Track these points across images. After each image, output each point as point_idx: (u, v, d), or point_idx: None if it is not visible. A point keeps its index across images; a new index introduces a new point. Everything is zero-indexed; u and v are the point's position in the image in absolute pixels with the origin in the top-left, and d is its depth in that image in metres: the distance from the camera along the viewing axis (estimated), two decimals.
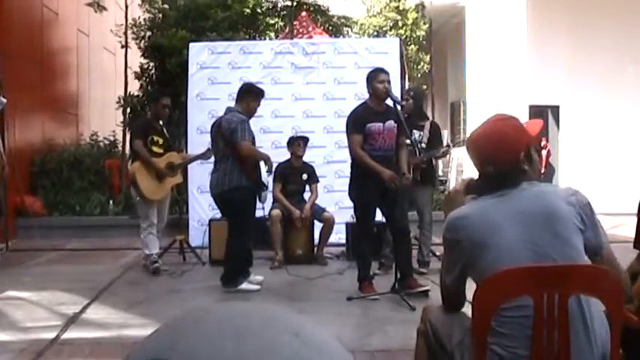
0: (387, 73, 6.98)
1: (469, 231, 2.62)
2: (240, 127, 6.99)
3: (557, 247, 2.52)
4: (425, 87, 16.28)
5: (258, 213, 7.59)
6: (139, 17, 14.21)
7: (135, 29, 13.72)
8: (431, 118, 11.74)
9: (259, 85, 7.74)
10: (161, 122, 8.27)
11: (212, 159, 7.48)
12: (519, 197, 2.63)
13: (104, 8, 12.65)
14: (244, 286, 7.10)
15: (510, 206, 2.61)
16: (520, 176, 2.69)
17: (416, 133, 7.89)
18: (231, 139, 7.01)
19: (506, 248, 2.52)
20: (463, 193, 2.93)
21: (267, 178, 7.30)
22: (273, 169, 7.61)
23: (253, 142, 7.31)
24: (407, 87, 11.84)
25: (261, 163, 7.20)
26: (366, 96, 7.08)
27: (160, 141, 8.15)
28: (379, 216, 7.19)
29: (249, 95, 7.31)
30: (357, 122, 6.83)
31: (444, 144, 8.40)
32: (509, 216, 2.58)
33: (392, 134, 6.86)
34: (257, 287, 7.19)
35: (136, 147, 8.11)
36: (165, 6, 14.17)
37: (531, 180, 2.73)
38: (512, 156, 2.69)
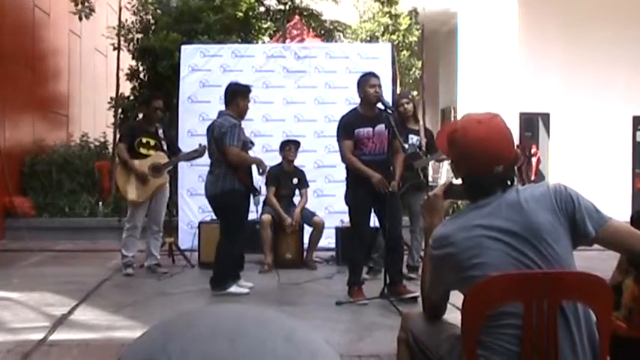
0: (377, 77, 6.98)
1: (454, 250, 2.57)
2: (229, 133, 6.95)
3: (543, 261, 2.49)
4: (416, 93, 16.32)
5: (251, 216, 7.59)
6: (127, 20, 14.16)
7: (126, 31, 13.67)
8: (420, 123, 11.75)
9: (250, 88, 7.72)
10: (157, 125, 8.25)
11: (208, 161, 7.44)
12: (499, 211, 2.56)
13: (93, 11, 12.60)
14: (233, 289, 7.09)
15: (491, 222, 2.54)
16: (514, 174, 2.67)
17: (414, 138, 7.91)
18: (221, 144, 7.00)
19: (493, 266, 2.48)
20: (442, 198, 2.91)
21: (259, 183, 7.29)
22: (266, 172, 7.61)
23: (245, 147, 7.28)
24: (398, 92, 11.85)
25: (254, 167, 7.19)
26: (357, 101, 7.08)
27: (151, 142, 8.11)
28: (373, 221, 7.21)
29: (238, 95, 7.23)
30: (347, 128, 6.83)
31: None
32: (492, 233, 2.52)
33: (382, 139, 6.85)
34: (246, 290, 7.18)
35: (117, 150, 8.25)
36: (158, 11, 14.11)
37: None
38: (514, 152, 2.69)
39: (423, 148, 7.97)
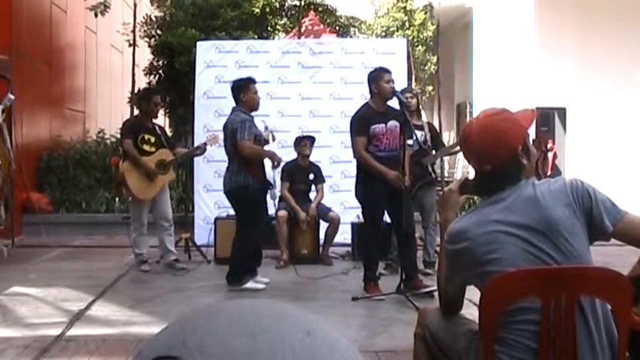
0: (390, 72, 6.96)
1: (470, 245, 2.56)
2: (240, 127, 7.00)
3: (560, 256, 2.48)
4: (431, 88, 16.29)
5: (270, 211, 7.63)
6: (151, 14, 14.22)
7: (147, 27, 13.73)
8: (437, 119, 11.76)
9: (266, 85, 7.77)
10: (156, 120, 8.26)
11: (225, 157, 7.46)
12: (516, 206, 2.54)
13: (108, 8, 12.64)
14: (249, 284, 7.12)
15: (507, 217, 2.53)
16: (519, 172, 2.62)
17: (418, 133, 7.89)
18: (234, 139, 7.03)
19: (509, 262, 2.47)
20: (458, 193, 2.90)
21: (273, 177, 7.29)
22: (281, 168, 7.64)
23: (260, 140, 7.30)
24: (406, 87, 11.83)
25: (267, 161, 7.20)
26: None
27: (152, 139, 8.11)
28: (386, 217, 7.20)
29: (241, 90, 7.29)
30: (362, 124, 6.82)
31: (452, 143, 8.45)
32: (508, 228, 2.51)
33: (395, 134, 6.85)
34: (262, 286, 7.20)
35: (126, 146, 8.08)
36: (173, 10, 14.14)
37: (529, 174, 2.65)
38: (510, 152, 2.61)
39: (429, 143, 7.94)
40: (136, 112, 12.94)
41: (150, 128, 8.16)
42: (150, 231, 8.31)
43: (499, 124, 2.65)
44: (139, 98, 8.76)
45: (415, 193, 7.71)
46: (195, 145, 8.77)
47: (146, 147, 8.07)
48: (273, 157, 7.24)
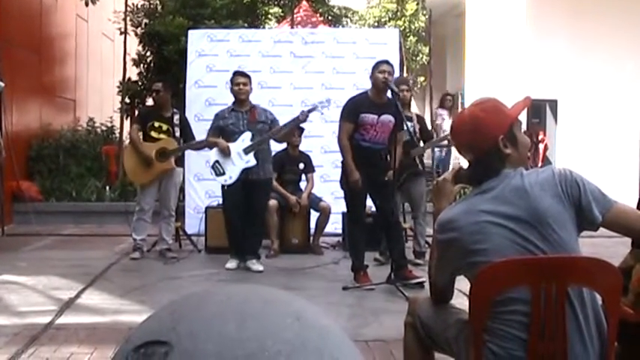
0: (391, 65, 6.96)
1: (459, 235, 2.57)
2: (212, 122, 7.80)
3: (548, 247, 2.48)
4: (423, 79, 16.31)
5: None
6: (136, 4, 14.14)
7: (132, 16, 13.66)
8: (429, 110, 11.79)
9: (257, 74, 7.97)
10: (175, 110, 8.31)
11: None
12: (504, 196, 2.55)
13: None
14: (228, 264, 7.61)
15: (496, 207, 2.53)
16: (502, 162, 2.62)
17: (408, 124, 7.91)
18: None
19: (497, 252, 2.47)
20: (452, 183, 2.91)
21: (213, 166, 7.65)
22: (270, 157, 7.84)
23: (226, 131, 7.65)
24: (401, 78, 11.82)
25: (212, 152, 7.66)
26: (365, 86, 7.07)
27: (164, 127, 8.18)
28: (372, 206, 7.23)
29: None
30: (352, 111, 6.83)
31: (443, 133, 8.48)
32: (496, 219, 2.51)
33: (386, 128, 6.85)
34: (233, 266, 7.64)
35: (130, 130, 8.56)
36: None
37: (518, 163, 2.66)
38: (490, 141, 2.62)
39: (417, 135, 7.97)
40: (131, 100, 13.08)
41: (164, 117, 8.25)
42: (155, 220, 8.37)
43: (479, 114, 2.68)
44: None
45: (403, 184, 7.72)
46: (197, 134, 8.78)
47: (154, 134, 8.19)
48: (215, 145, 7.64)
